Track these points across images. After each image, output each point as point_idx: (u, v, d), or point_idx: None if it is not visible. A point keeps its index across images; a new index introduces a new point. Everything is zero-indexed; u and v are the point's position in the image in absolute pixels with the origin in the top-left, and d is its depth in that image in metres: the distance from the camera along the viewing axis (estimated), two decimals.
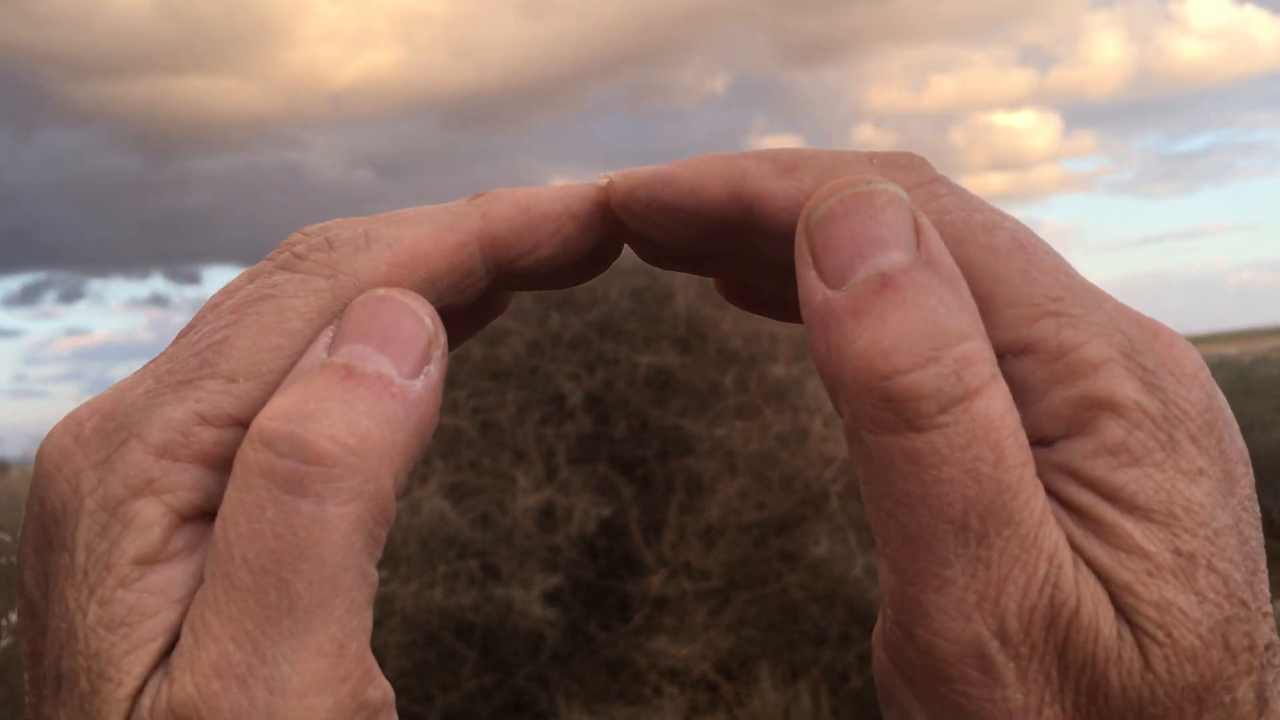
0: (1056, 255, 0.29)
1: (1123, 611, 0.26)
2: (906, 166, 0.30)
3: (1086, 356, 0.27)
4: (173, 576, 0.27)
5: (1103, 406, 0.26)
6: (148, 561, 0.26)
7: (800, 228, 0.28)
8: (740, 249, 0.33)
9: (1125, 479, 0.26)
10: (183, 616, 0.26)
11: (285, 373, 0.28)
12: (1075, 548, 0.26)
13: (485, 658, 3.88)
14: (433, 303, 0.31)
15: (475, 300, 0.33)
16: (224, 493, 0.27)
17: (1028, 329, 0.27)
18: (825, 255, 0.27)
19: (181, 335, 0.30)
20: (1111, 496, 0.26)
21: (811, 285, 0.28)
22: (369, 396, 0.26)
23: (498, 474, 4.00)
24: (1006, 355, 0.27)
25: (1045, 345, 0.27)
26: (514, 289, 0.35)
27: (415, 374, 0.28)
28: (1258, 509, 0.28)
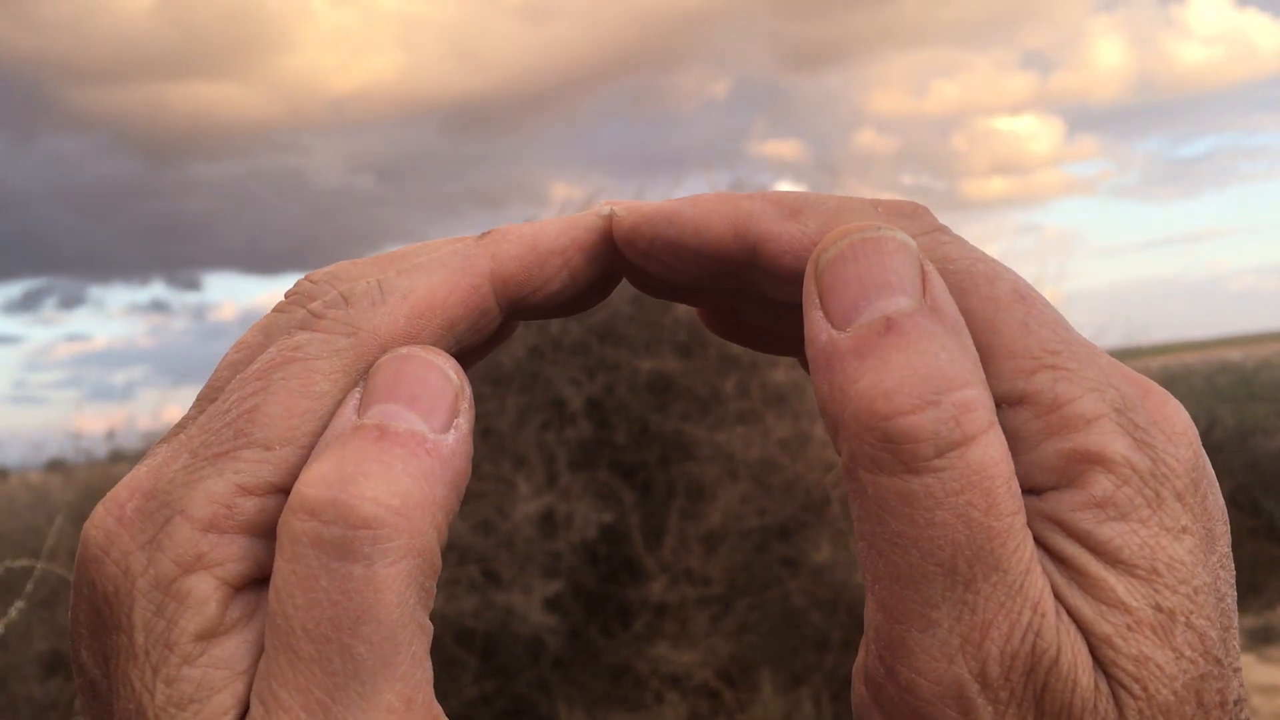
0: (1054, 309, 0.29)
1: (1101, 663, 0.26)
2: (910, 215, 0.31)
3: (1080, 411, 0.27)
4: (235, 648, 0.27)
5: (1093, 461, 0.27)
6: (208, 636, 0.27)
7: (809, 269, 0.29)
8: (739, 287, 0.34)
9: (1111, 533, 0.27)
10: (250, 687, 0.27)
11: (318, 434, 0.28)
12: (1059, 597, 0.27)
13: (486, 664, 3.88)
14: (451, 346, 0.32)
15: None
16: (272, 561, 0.27)
17: (1025, 381, 0.28)
18: (832, 296, 0.28)
19: (201, 399, 0.31)
20: (1097, 549, 0.27)
21: (817, 325, 0.28)
22: (405, 455, 0.27)
23: (498, 479, 4.00)
24: (1003, 405, 0.28)
25: (1041, 398, 0.28)
26: (521, 319, 0.36)
27: (446, 428, 0.28)
28: (1233, 567, 0.29)
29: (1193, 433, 0.28)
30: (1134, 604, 0.26)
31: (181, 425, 0.30)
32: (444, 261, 0.32)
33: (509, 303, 0.33)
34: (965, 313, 0.28)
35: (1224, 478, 5.84)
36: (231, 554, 0.27)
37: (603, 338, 4.27)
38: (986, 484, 0.26)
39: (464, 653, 3.81)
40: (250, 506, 0.28)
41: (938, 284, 0.28)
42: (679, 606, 3.92)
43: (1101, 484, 0.27)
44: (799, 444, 4.06)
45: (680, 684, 3.84)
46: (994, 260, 0.30)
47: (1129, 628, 0.26)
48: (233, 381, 0.29)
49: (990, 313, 0.29)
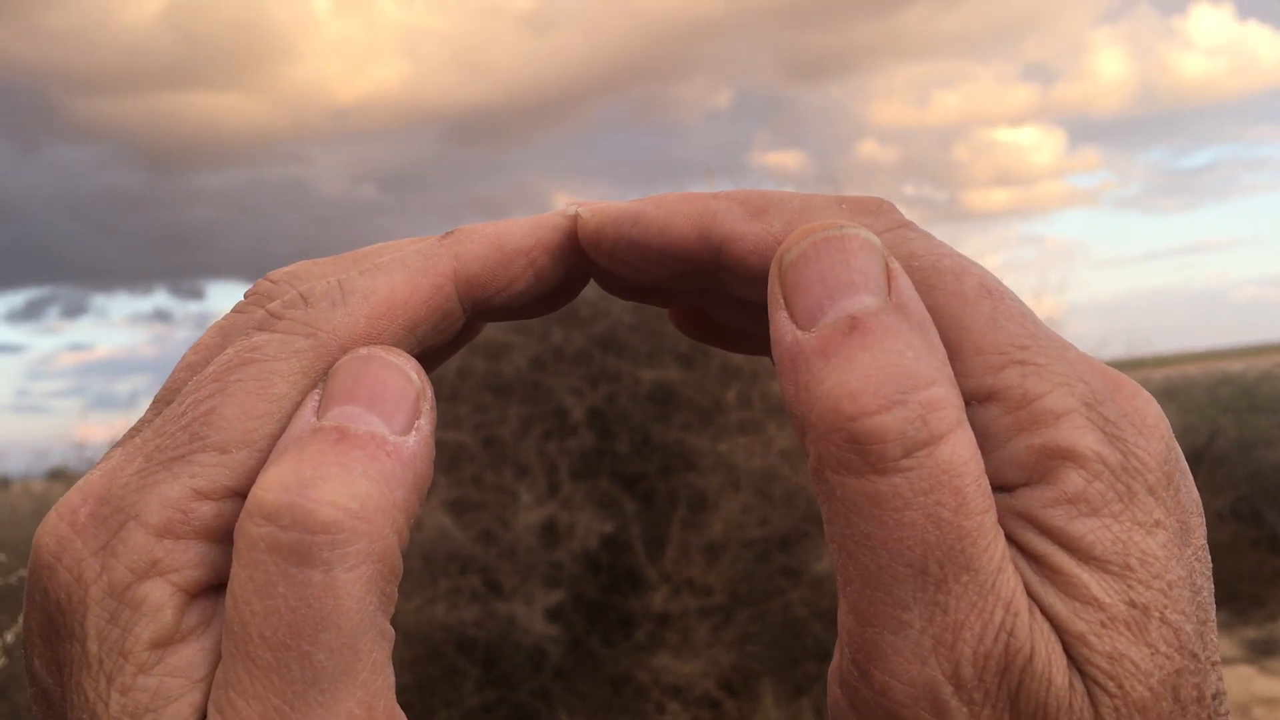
0: (1023, 304, 0.29)
1: (1075, 661, 0.26)
2: (875, 211, 0.30)
3: (1049, 406, 0.27)
4: (191, 656, 0.26)
5: (1064, 456, 0.27)
6: (163, 644, 0.26)
7: (773, 269, 0.29)
8: (705, 287, 0.33)
9: (1083, 529, 0.26)
10: (207, 696, 0.26)
11: (276, 437, 0.28)
12: (1032, 595, 0.26)
13: (487, 673, 3.87)
14: (414, 348, 0.31)
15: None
16: (229, 566, 0.27)
17: (993, 376, 0.28)
18: (796, 296, 0.28)
19: (158, 402, 0.30)
20: (1069, 546, 0.26)
21: (782, 326, 0.28)
22: (364, 458, 0.26)
23: (500, 489, 3.99)
24: (972, 402, 0.28)
25: (1010, 393, 0.27)
26: (487, 321, 0.35)
27: (407, 429, 0.27)
28: (1209, 559, 0.29)
29: (1164, 425, 0.28)
30: (1108, 600, 0.26)
31: (137, 429, 0.30)
32: (406, 261, 0.31)
33: (473, 303, 0.33)
34: (932, 309, 0.28)
35: (1226, 489, 5.83)
36: (187, 560, 0.27)
37: (605, 348, 4.27)
38: (956, 483, 0.26)
39: (465, 662, 3.81)
40: (206, 511, 0.27)
41: (903, 281, 0.28)
42: (680, 616, 3.91)
43: (1073, 480, 0.27)
44: (800, 454, 4.06)
45: (682, 694, 3.83)
46: (960, 255, 0.29)
47: (1103, 625, 0.26)
48: (189, 384, 0.29)
49: (957, 308, 0.28)
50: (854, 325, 0.27)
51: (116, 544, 0.27)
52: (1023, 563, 0.27)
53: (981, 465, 0.26)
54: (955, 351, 0.28)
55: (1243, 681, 4.45)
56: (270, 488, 0.25)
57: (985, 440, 0.27)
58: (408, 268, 0.31)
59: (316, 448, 0.26)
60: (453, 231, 0.33)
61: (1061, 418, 0.27)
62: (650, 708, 3.83)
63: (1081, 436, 0.27)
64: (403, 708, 0.27)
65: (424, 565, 3.81)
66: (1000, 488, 0.27)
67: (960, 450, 0.26)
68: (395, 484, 0.26)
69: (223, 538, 0.27)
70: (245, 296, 0.32)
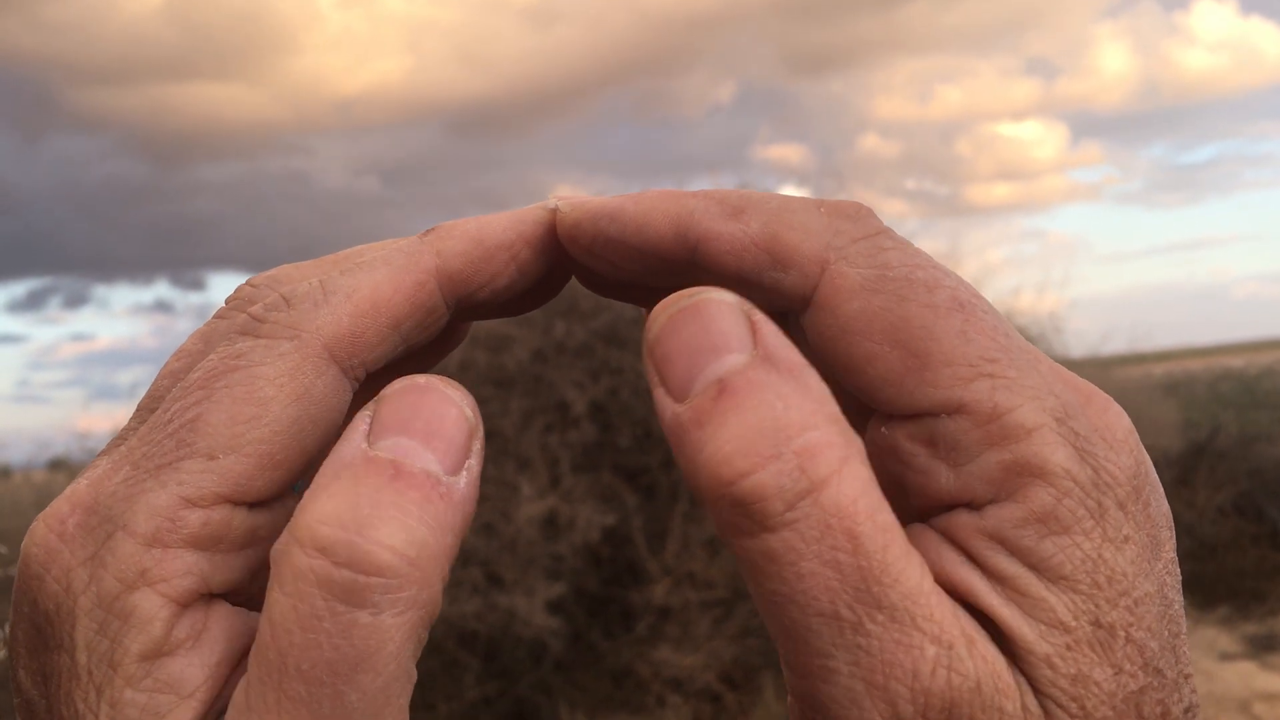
0: (996, 315, 0.29)
1: (1038, 685, 0.26)
2: (853, 216, 0.30)
3: (1019, 420, 0.27)
4: (181, 670, 0.26)
5: (1033, 473, 0.27)
6: (153, 656, 0.26)
7: (644, 348, 0.28)
8: (682, 284, 0.33)
9: (1053, 549, 0.26)
10: (198, 714, 0.26)
11: (264, 441, 0.28)
12: (996, 620, 0.26)
13: (488, 666, 3.88)
14: (398, 345, 0.31)
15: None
16: (217, 576, 0.27)
17: (962, 389, 0.27)
18: (666, 371, 0.27)
19: (142, 410, 0.30)
20: (1038, 566, 0.26)
21: (661, 402, 0.27)
22: (420, 500, 0.25)
23: (501, 482, 4.00)
24: (941, 414, 0.28)
25: (979, 406, 0.27)
26: (470, 319, 0.35)
27: (458, 470, 0.27)
28: (1178, 572, 0.29)
29: (1134, 439, 0.28)
30: (1073, 623, 0.26)
31: (122, 437, 0.29)
32: (388, 259, 0.31)
33: (456, 300, 0.32)
34: (903, 320, 0.28)
35: (1227, 485, 5.83)
36: (176, 569, 0.27)
37: (606, 341, 4.27)
38: (846, 524, 0.25)
39: (466, 655, 3.82)
40: (195, 519, 0.27)
41: (768, 330, 0.27)
42: (681, 610, 3.92)
43: (1042, 497, 0.26)
44: None
45: (682, 687, 3.83)
46: (935, 266, 0.29)
47: (1068, 647, 0.26)
48: (173, 391, 0.28)
49: (928, 320, 0.28)
50: (722, 389, 0.26)
51: (105, 554, 0.26)
52: (988, 589, 0.27)
53: (877, 498, 0.26)
54: (926, 362, 0.28)
55: (1243, 677, 4.45)
56: (326, 521, 0.25)
57: (955, 453, 0.27)
58: (390, 265, 0.31)
59: (372, 482, 0.25)
60: (434, 228, 0.33)
61: (1032, 432, 0.27)
62: (651, 700, 3.83)
63: (1052, 452, 0.27)
64: None
65: None
66: (969, 504, 0.27)
67: (846, 489, 0.25)
68: (446, 529, 0.26)
69: (210, 546, 0.27)
70: (226, 302, 0.32)
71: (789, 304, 0.30)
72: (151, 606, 0.26)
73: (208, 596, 0.27)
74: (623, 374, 4.20)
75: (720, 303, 0.27)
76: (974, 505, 0.27)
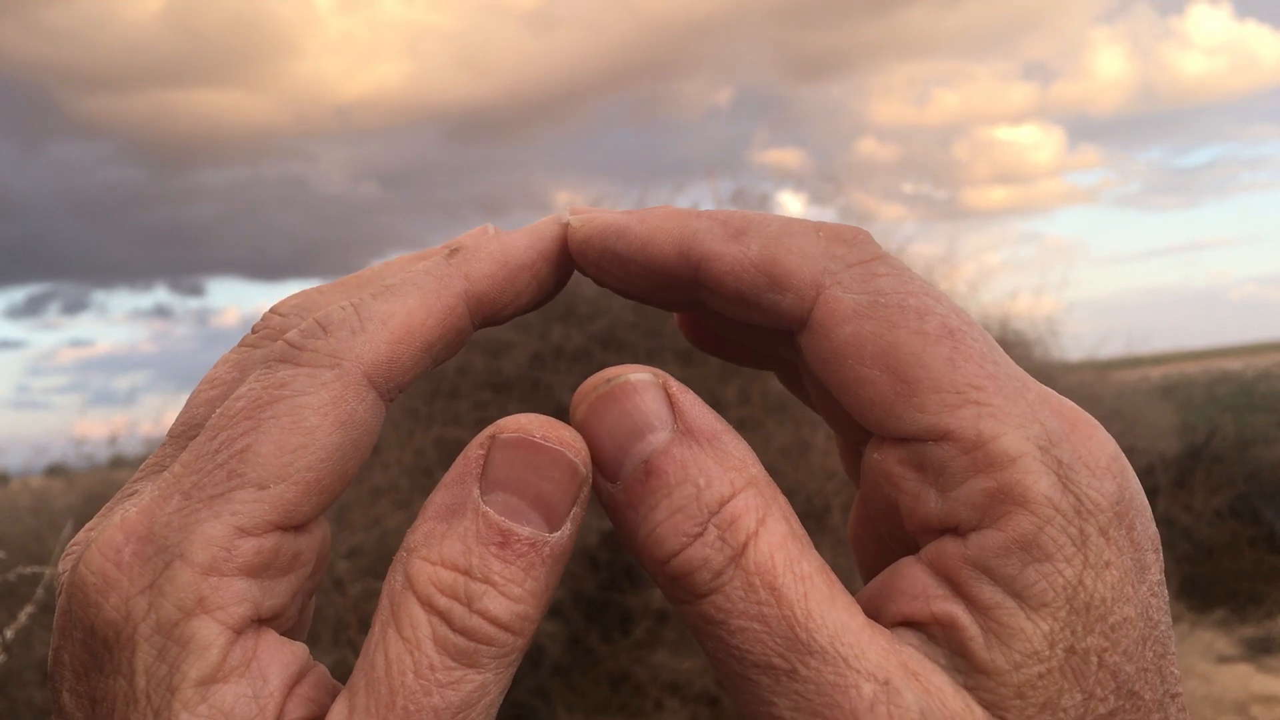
0: (986, 343, 0.29)
1: (1006, 713, 0.27)
2: (850, 242, 0.31)
3: (1003, 448, 0.28)
4: (235, 695, 0.27)
5: (1016, 501, 0.27)
6: (209, 682, 0.27)
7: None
8: (688, 299, 0.34)
9: (1035, 576, 0.27)
10: None
11: (311, 468, 0.29)
12: (968, 652, 0.27)
13: None
14: (428, 366, 0.32)
15: None
16: (267, 603, 0.28)
17: (949, 415, 0.28)
18: (597, 455, 0.30)
19: (176, 436, 0.31)
20: (1020, 594, 0.27)
21: (597, 483, 0.30)
22: (526, 567, 0.28)
23: None
24: (928, 440, 0.29)
25: (964, 433, 0.28)
26: (484, 327, 0.36)
27: (562, 523, 0.29)
28: (1165, 593, 0.29)
29: (1119, 464, 0.28)
30: (1048, 652, 0.27)
31: (160, 462, 0.30)
32: (418, 284, 0.32)
33: (483, 319, 0.34)
34: (893, 346, 0.29)
35: (1224, 487, 5.83)
36: (232, 597, 0.28)
37: (604, 345, 4.27)
38: (767, 579, 0.27)
39: None
40: (248, 547, 0.28)
41: (687, 405, 0.29)
42: (680, 614, 3.92)
43: (1024, 525, 0.27)
44: (800, 451, 4.07)
45: (680, 691, 3.83)
46: (927, 294, 0.30)
47: (1040, 676, 0.27)
48: (216, 419, 0.29)
49: (918, 347, 0.29)
50: (648, 470, 0.29)
51: (163, 582, 0.27)
52: (970, 620, 0.27)
53: (795, 549, 0.28)
54: (914, 388, 0.29)
55: (1241, 679, 4.45)
56: (441, 584, 0.28)
57: (942, 478, 0.28)
58: (421, 290, 0.32)
59: (482, 549, 0.28)
60: (457, 249, 0.33)
61: (1015, 460, 0.27)
62: (649, 705, 3.83)
63: (1034, 481, 0.27)
64: None
65: None
66: (954, 529, 0.28)
67: (763, 548, 0.28)
68: (546, 590, 0.29)
69: (261, 573, 0.28)
70: (254, 330, 0.32)
71: (787, 324, 0.31)
72: (209, 633, 0.27)
73: (257, 623, 0.29)
74: None
75: (637, 383, 0.30)
76: (960, 531, 0.28)
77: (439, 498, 0.29)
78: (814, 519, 4.00)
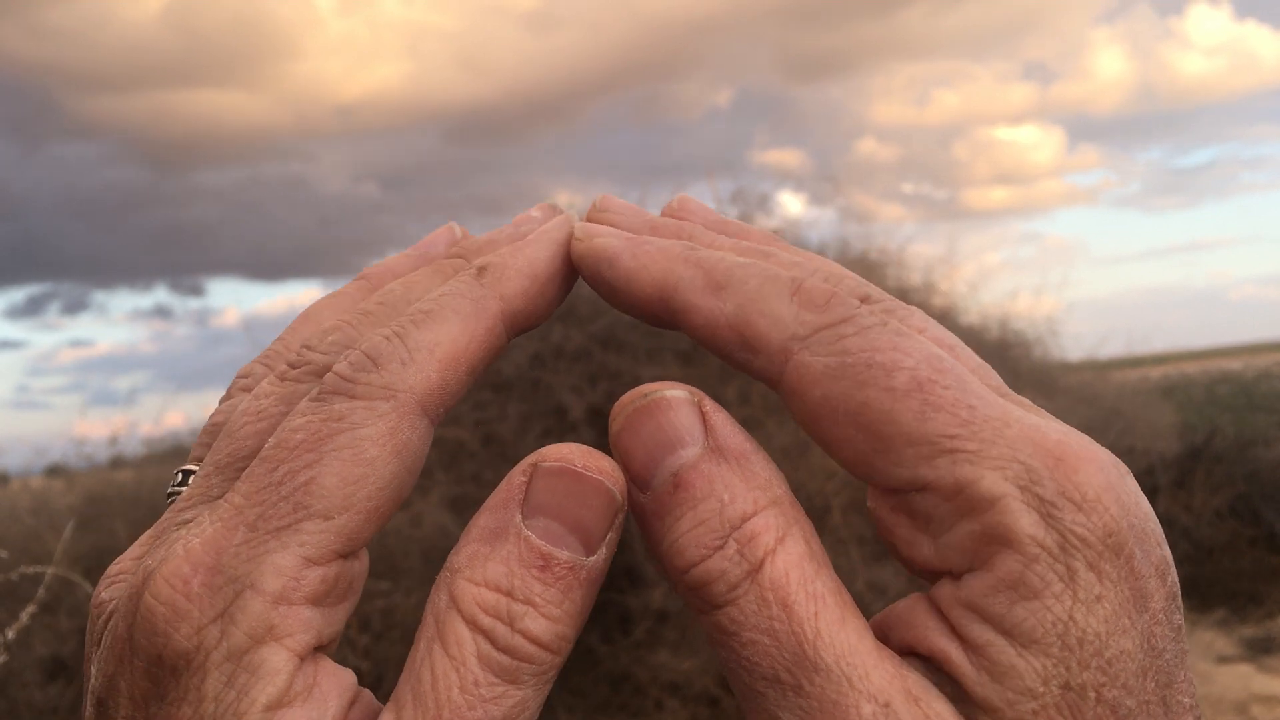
0: (960, 386, 0.29)
1: None
2: (821, 306, 0.31)
3: (982, 492, 0.28)
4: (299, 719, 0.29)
5: (1000, 542, 0.28)
6: (276, 707, 0.28)
7: (609, 439, 0.32)
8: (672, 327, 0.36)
9: (1024, 614, 0.27)
10: None
11: (371, 498, 0.30)
12: (966, 688, 0.28)
13: None
14: (470, 385, 0.33)
15: None
16: (328, 630, 0.30)
17: (925, 467, 0.29)
18: (629, 464, 0.31)
19: (224, 467, 0.32)
20: (1011, 632, 0.27)
21: (631, 491, 0.31)
22: (564, 589, 0.30)
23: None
24: (911, 491, 0.29)
25: (942, 483, 0.28)
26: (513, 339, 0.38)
27: (598, 547, 0.30)
28: (1174, 620, 0.29)
29: (1110, 495, 0.28)
30: (1042, 688, 0.27)
31: (207, 491, 0.31)
32: (457, 309, 0.33)
33: (515, 334, 0.35)
34: (863, 405, 0.29)
35: (1224, 487, 5.83)
36: (299, 625, 0.29)
37: (604, 345, 4.28)
38: (780, 595, 0.28)
39: None
40: (314, 577, 0.29)
41: (719, 423, 0.31)
42: (679, 613, 3.92)
43: (1010, 565, 0.27)
44: (800, 451, 4.07)
45: (681, 691, 3.83)
46: (896, 348, 0.30)
47: (1035, 713, 0.27)
48: (274, 452, 0.30)
49: (887, 404, 0.29)
50: (677, 483, 0.30)
51: (235, 611, 0.28)
52: (962, 656, 0.28)
53: (811, 568, 0.29)
54: (889, 445, 0.29)
55: (1241, 679, 4.46)
56: (485, 605, 0.29)
57: (931, 525, 0.29)
58: (460, 314, 0.33)
59: (524, 571, 0.29)
60: (484, 267, 0.35)
61: (995, 503, 0.28)
62: (649, 705, 3.83)
63: (1016, 521, 0.27)
64: None
65: (423, 562, 3.81)
66: (949, 573, 0.29)
67: (779, 565, 0.29)
68: (584, 610, 0.30)
69: (324, 600, 0.30)
70: (292, 367, 0.33)
71: (763, 379, 0.32)
72: (278, 660, 0.28)
73: (317, 650, 0.30)
74: (620, 378, 4.20)
75: (672, 399, 0.31)
76: (954, 574, 0.29)
77: (482, 521, 0.30)
78: (814, 519, 3.98)
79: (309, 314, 0.39)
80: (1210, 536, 5.73)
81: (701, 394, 0.31)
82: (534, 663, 0.29)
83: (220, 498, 0.31)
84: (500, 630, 0.29)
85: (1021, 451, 0.28)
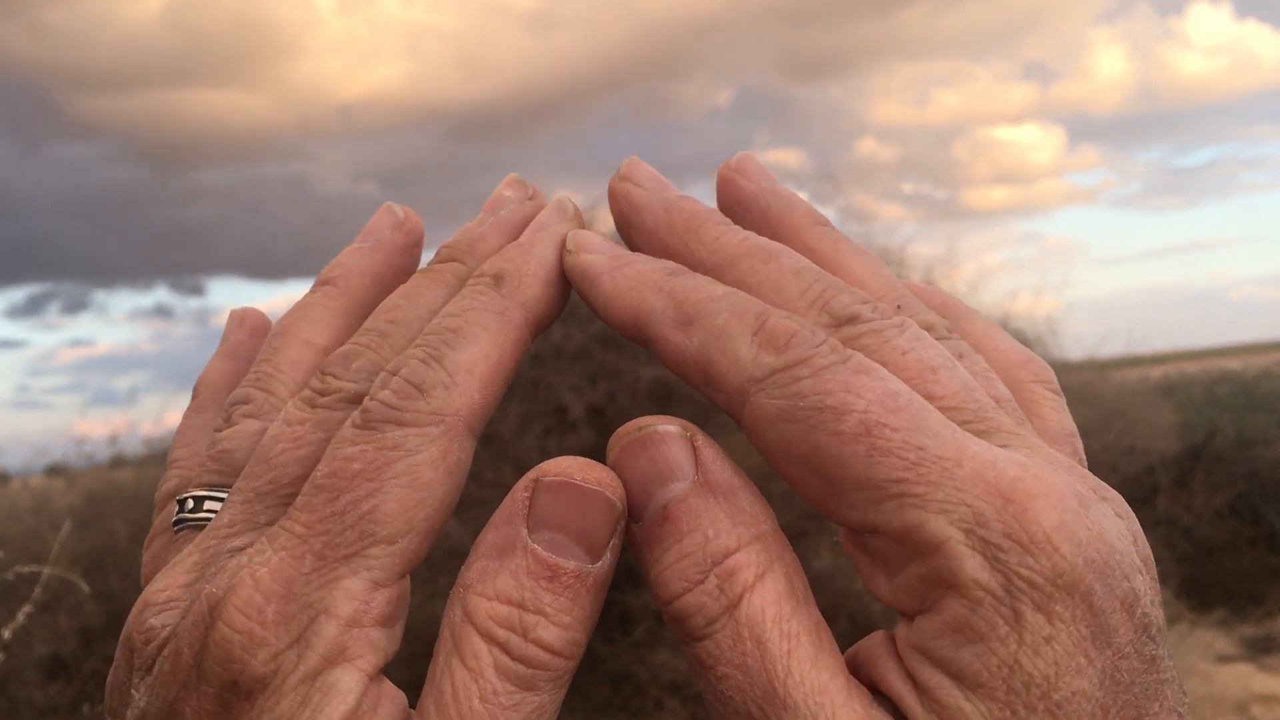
0: (913, 427, 0.29)
1: None
2: (780, 348, 0.31)
3: (927, 536, 0.28)
4: None
5: (945, 586, 0.28)
6: None
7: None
8: None
9: (969, 657, 0.27)
10: None
11: (429, 519, 0.31)
12: None
13: None
14: (501, 395, 0.34)
15: None
16: (389, 648, 0.31)
17: (874, 512, 0.29)
18: (626, 495, 0.32)
19: (265, 494, 0.32)
20: (957, 675, 0.28)
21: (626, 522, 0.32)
22: (572, 597, 0.31)
23: (500, 486, 4.00)
24: (863, 534, 0.30)
25: (889, 526, 0.29)
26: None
27: (602, 554, 0.31)
28: (1149, 652, 0.28)
29: (1062, 533, 0.27)
30: None
31: (253, 518, 0.32)
32: (484, 324, 0.34)
33: (535, 338, 0.36)
34: (813, 450, 0.29)
35: (1224, 487, 5.83)
36: (369, 646, 0.30)
37: (604, 345, 4.28)
38: (755, 632, 0.29)
39: None
40: (381, 599, 0.30)
41: (709, 458, 0.31)
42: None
43: (955, 608, 0.28)
44: None
45: (681, 691, 3.83)
46: (848, 390, 0.30)
47: None
48: (331, 481, 0.31)
49: (835, 447, 0.29)
50: (665, 515, 0.31)
51: (310, 636, 0.29)
52: (914, 701, 0.28)
53: (789, 606, 0.30)
54: (839, 488, 0.29)
55: (1241, 679, 4.46)
56: (498, 618, 0.30)
57: (886, 566, 0.30)
58: (489, 330, 0.34)
59: (533, 583, 0.30)
60: (500, 276, 0.35)
61: (940, 547, 0.28)
62: (649, 705, 3.83)
63: (959, 565, 0.27)
64: None
65: (424, 563, 3.81)
66: (904, 614, 0.30)
67: (756, 602, 0.29)
68: (593, 615, 0.31)
69: (386, 622, 0.31)
70: (320, 394, 0.34)
71: (727, 413, 0.33)
72: (350, 681, 0.30)
73: (380, 672, 0.31)
74: (620, 378, 4.20)
75: (664, 434, 0.32)
76: (908, 615, 0.29)
77: (490, 537, 0.32)
78: (814, 519, 4.00)
79: (289, 332, 0.38)
80: (1210, 536, 5.73)
81: (695, 428, 0.32)
82: (549, 669, 0.30)
83: (269, 524, 0.32)
84: (514, 641, 0.30)
85: (969, 493, 0.28)
